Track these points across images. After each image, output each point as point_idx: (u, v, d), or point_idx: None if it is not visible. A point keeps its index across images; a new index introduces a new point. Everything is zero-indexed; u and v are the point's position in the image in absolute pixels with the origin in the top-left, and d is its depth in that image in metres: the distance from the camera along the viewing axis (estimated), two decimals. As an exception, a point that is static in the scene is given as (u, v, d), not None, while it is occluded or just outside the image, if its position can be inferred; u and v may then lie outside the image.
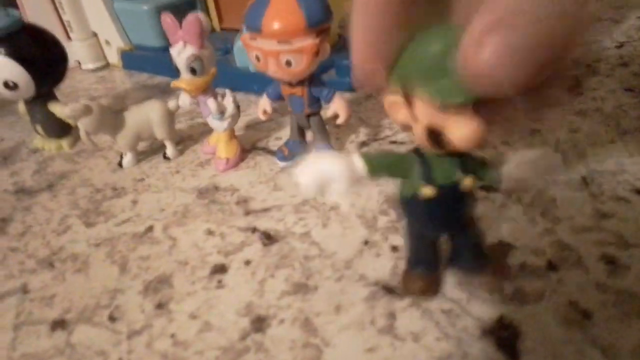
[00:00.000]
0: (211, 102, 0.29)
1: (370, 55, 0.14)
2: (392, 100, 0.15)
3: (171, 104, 0.31)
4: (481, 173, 0.17)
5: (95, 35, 0.50)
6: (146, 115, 0.30)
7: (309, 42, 0.24)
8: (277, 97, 0.28)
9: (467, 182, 0.16)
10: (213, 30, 0.51)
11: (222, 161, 0.30)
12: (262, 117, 0.29)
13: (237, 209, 0.27)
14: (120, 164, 0.32)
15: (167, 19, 0.27)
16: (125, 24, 0.48)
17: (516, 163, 0.17)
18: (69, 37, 0.49)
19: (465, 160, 0.16)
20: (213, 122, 0.30)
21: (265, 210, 0.26)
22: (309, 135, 0.31)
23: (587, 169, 0.26)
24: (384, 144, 0.31)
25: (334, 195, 0.16)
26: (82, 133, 0.29)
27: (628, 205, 0.23)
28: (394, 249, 0.23)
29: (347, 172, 0.16)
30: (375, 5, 0.13)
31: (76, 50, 0.50)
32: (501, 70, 0.11)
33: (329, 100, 0.27)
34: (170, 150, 0.32)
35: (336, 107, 0.27)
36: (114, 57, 0.50)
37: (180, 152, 0.33)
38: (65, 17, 0.48)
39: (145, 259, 0.24)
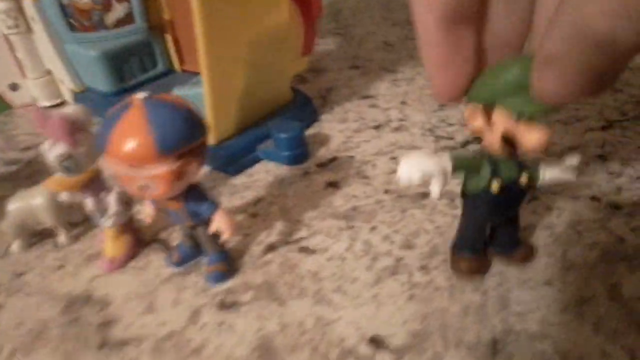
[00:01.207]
0: (89, 202, 0.26)
1: (452, 88, 0.18)
2: (473, 111, 0.19)
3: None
4: (533, 174, 0.21)
5: (50, 73, 0.48)
6: (29, 204, 0.28)
7: (163, 169, 0.20)
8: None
9: (524, 179, 0.21)
10: (174, 70, 0.48)
11: (106, 260, 0.27)
12: (148, 220, 0.26)
13: (94, 338, 0.23)
14: (8, 250, 0.29)
15: (36, 112, 0.24)
16: (77, 66, 0.46)
17: (551, 165, 0.22)
18: (24, 75, 0.48)
19: (522, 161, 0.21)
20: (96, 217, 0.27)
21: (123, 343, 0.23)
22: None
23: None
24: (291, 251, 0.28)
25: (434, 187, 0.20)
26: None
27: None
28: None
29: (443, 168, 0.20)
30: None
31: (31, 88, 0.48)
32: (560, 97, 0.14)
33: (210, 215, 0.24)
34: (61, 238, 0.29)
35: (218, 224, 0.24)
36: (69, 96, 0.49)
37: (76, 238, 0.30)
38: (19, 55, 0.47)
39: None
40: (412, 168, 0.20)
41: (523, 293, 0.24)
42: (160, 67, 0.48)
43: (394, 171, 0.33)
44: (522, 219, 0.28)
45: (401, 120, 0.40)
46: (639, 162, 0.32)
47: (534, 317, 0.22)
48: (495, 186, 0.21)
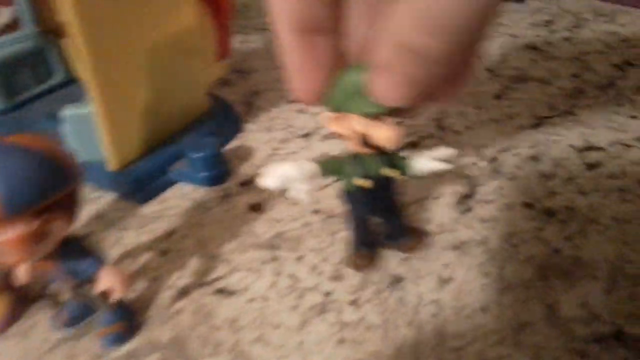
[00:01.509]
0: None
1: (308, 93, 0.19)
2: (328, 116, 0.20)
3: None
4: (397, 163, 0.22)
5: None
6: None
7: (15, 233, 0.16)
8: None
9: (389, 172, 0.22)
10: (75, 80, 0.43)
11: (-20, 327, 0.23)
12: (23, 282, 0.22)
13: None
14: None
15: None
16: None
17: (422, 156, 0.22)
18: None
19: (389, 157, 0.22)
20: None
21: None
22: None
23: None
24: (207, 294, 0.24)
25: (298, 192, 0.20)
26: None
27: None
28: None
29: (307, 176, 0.20)
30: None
31: None
32: (393, 101, 0.16)
33: (94, 272, 0.20)
34: None
35: (105, 283, 0.20)
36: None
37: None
38: None
39: None
40: (273, 174, 0.20)
41: (459, 323, 0.22)
42: (59, 77, 0.42)
43: (324, 186, 0.31)
44: (459, 234, 0.26)
45: (330, 125, 0.38)
46: (570, 161, 0.31)
47: (471, 350, 0.21)
48: (363, 182, 0.22)
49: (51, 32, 0.41)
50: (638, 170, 0.29)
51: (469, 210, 0.28)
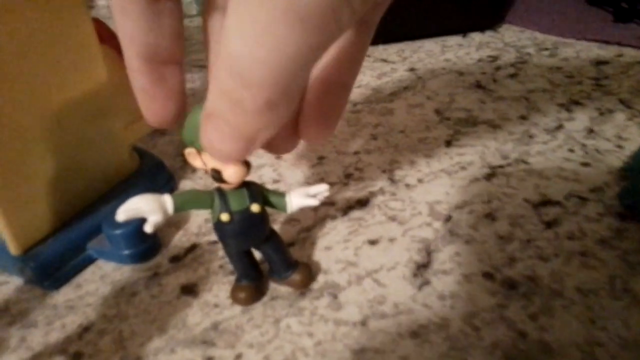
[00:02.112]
0: None
1: (157, 118, 0.19)
2: (188, 152, 0.21)
3: None
4: (272, 200, 0.23)
5: None
6: None
7: None
8: None
9: (254, 208, 0.22)
10: None
11: None
12: None
13: None
14: None
15: None
16: None
17: (297, 194, 0.24)
18: None
19: (255, 191, 0.23)
20: None
21: None
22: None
23: None
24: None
25: (149, 225, 0.20)
26: None
27: None
28: None
29: (158, 208, 0.21)
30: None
31: None
32: (225, 156, 0.16)
33: None
34: None
35: None
36: None
37: None
38: None
39: None
40: (122, 208, 0.20)
41: None
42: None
43: (264, 261, 0.27)
44: (416, 315, 0.24)
45: (276, 181, 0.34)
46: (526, 219, 0.29)
47: None
48: (224, 216, 0.22)
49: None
50: (596, 228, 0.28)
51: (426, 283, 0.25)
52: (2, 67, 0.23)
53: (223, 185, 0.22)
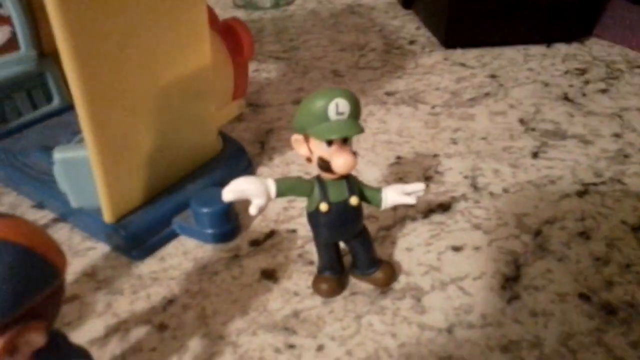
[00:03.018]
0: None
1: None
2: (295, 139, 0.21)
3: None
4: (367, 195, 0.23)
5: None
6: None
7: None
8: None
9: (353, 200, 0.22)
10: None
11: None
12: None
13: None
14: None
15: None
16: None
17: (393, 190, 0.23)
18: None
19: (354, 184, 0.23)
20: None
21: None
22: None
23: None
24: (211, 392, 0.20)
25: (252, 206, 0.21)
26: None
27: None
28: None
29: (263, 191, 0.21)
30: None
31: None
32: None
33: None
34: None
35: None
36: None
37: None
38: None
39: None
40: (229, 188, 0.21)
41: None
42: (57, 103, 0.39)
43: (346, 252, 0.27)
44: (506, 329, 0.22)
45: (352, 176, 0.34)
46: (625, 242, 0.27)
47: None
48: (323, 206, 0.22)
49: (51, 54, 0.38)
50: None
51: (516, 297, 0.24)
52: (122, 39, 0.23)
53: (324, 175, 0.22)
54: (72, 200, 0.28)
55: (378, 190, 0.23)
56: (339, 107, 0.20)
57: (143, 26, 0.24)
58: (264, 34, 0.63)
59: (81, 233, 0.30)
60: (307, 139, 0.21)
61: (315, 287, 0.25)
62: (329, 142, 0.20)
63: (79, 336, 0.23)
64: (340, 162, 0.20)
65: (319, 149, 0.21)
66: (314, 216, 0.23)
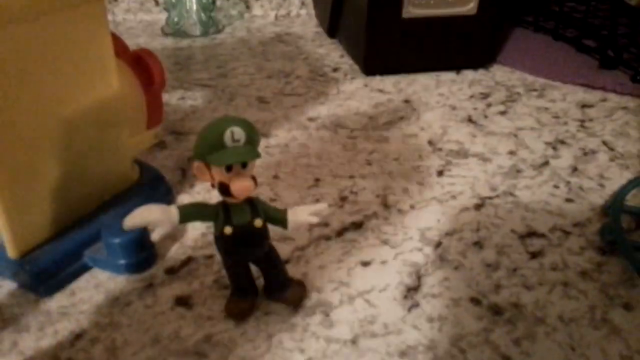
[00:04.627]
0: None
1: None
2: (197, 166, 0.22)
3: None
4: (272, 216, 0.24)
5: None
6: None
7: None
8: None
9: (257, 222, 0.23)
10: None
11: None
12: None
13: None
14: None
15: None
16: None
17: (299, 211, 0.24)
18: None
19: (258, 206, 0.24)
20: None
21: None
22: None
23: None
24: None
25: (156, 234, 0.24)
26: None
27: None
28: None
29: (165, 218, 0.22)
30: None
31: None
32: None
33: None
34: None
35: None
36: None
37: None
38: None
39: None
40: (130, 216, 0.22)
41: None
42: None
43: (259, 275, 0.28)
44: (405, 336, 0.24)
45: (272, 200, 0.35)
46: (513, 249, 0.30)
47: None
48: (227, 230, 0.23)
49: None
50: (578, 260, 0.29)
51: (416, 306, 0.26)
52: (20, 73, 0.24)
53: (228, 199, 0.23)
54: (-27, 237, 0.27)
55: (283, 212, 0.24)
56: (234, 134, 0.21)
57: (41, 60, 0.24)
58: (192, 61, 0.64)
59: (-15, 272, 0.29)
60: (207, 166, 0.22)
61: (228, 310, 0.26)
62: (228, 168, 0.21)
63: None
64: (237, 186, 0.21)
65: (219, 174, 0.22)
66: (220, 240, 0.24)
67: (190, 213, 0.23)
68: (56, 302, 0.27)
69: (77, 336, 0.24)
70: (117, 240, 0.27)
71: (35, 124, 0.25)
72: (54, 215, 0.28)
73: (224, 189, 0.22)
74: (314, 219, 0.24)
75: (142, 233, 0.28)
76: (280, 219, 0.24)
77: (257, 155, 0.22)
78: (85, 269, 0.28)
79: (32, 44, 0.24)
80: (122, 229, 0.27)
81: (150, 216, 0.22)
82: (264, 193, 0.36)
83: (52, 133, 0.26)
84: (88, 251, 0.28)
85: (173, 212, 0.22)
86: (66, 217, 0.29)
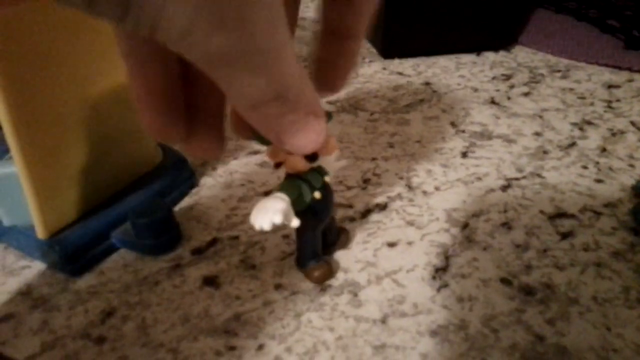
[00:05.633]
0: None
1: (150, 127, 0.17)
2: (270, 150, 0.23)
3: None
4: (324, 173, 0.25)
5: None
6: None
7: None
8: None
9: (328, 179, 0.24)
10: None
11: None
12: None
13: None
14: None
15: None
16: None
17: (328, 163, 0.25)
18: None
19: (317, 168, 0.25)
20: None
21: None
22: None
23: None
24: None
25: (293, 221, 0.22)
26: None
27: None
28: None
29: (287, 204, 0.22)
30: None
31: None
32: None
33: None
34: None
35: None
36: None
37: None
38: None
39: None
40: (268, 213, 0.21)
41: None
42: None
43: (287, 254, 0.28)
44: (435, 315, 0.24)
45: (294, 182, 0.35)
46: (543, 230, 0.30)
47: None
48: (317, 194, 0.24)
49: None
50: (610, 242, 0.29)
51: (445, 286, 0.26)
52: (46, 52, 0.23)
53: (301, 171, 0.23)
54: (4, 218, 0.27)
55: (321, 167, 0.25)
56: None
57: (66, 39, 0.24)
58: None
59: (15, 252, 0.29)
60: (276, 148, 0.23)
61: (315, 279, 0.26)
62: None
63: (14, 355, 0.23)
64: (329, 147, 0.24)
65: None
66: (311, 208, 0.24)
67: (292, 194, 0.23)
68: (85, 281, 0.27)
69: (108, 314, 0.25)
70: (143, 221, 0.27)
71: (62, 104, 0.25)
72: (82, 196, 0.28)
73: (311, 155, 0.23)
74: (341, 163, 0.28)
75: (168, 214, 0.28)
76: (325, 172, 0.25)
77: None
78: (112, 249, 0.29)
79: (57, 23, 0.24)
80: (150, 210, 0.27)
81: (280, 207, 0.21)
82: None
83: (81, 114, 0.26)
84: (115, 231, 0.28)
85: (285, 197, 0.22)
86: (93, 199, 0.29)
